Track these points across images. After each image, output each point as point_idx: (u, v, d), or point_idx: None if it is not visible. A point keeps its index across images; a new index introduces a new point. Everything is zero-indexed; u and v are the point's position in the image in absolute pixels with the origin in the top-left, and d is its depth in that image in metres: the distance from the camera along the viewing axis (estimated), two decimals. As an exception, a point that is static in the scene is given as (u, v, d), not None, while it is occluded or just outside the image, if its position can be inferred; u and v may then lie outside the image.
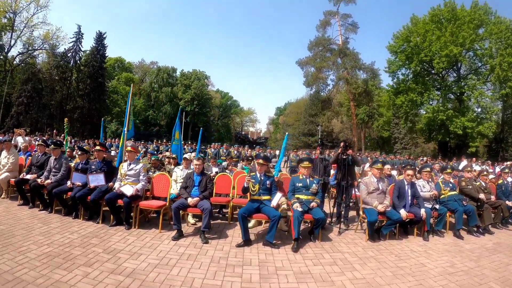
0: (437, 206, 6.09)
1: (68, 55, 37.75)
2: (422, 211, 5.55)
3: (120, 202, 5.05)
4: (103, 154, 5.88)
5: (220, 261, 3.95)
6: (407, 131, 33.60)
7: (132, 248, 4.22)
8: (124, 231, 4.92)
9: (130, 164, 5.46)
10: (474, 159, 16.89)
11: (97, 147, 6.03)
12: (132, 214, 5.18)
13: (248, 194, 5.07)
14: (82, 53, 38.96)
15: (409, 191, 5.83)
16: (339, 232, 5.62)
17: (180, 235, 4.76)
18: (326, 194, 7.46)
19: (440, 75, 28.34)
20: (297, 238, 4.55)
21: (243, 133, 61.91)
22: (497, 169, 14.85)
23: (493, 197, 7.19)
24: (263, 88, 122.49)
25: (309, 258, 4.27)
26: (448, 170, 6.88)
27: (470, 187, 7.00)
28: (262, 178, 5.05)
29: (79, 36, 38.29)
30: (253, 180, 4.97)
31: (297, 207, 4.74)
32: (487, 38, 25.49)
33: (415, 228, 5.83)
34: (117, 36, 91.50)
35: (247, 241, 4.61)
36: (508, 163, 14.78)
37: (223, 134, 58.47)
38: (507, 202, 7.02)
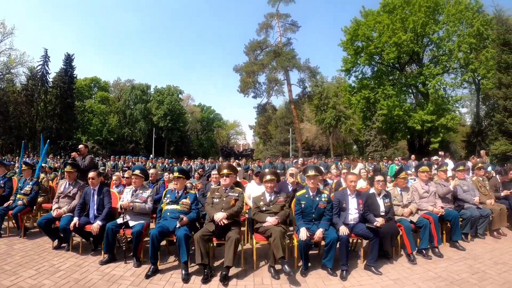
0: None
1: (36, 78, 37.37)
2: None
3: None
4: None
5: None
6: (377, 132, 30.00)
7: None
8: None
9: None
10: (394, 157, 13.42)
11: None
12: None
13: None
14: (49, 75, 38.61)
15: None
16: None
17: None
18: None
19: (398, 68, 24.99)
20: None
21: (229, 146, 59.19)
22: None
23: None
24: (249, 100, 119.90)
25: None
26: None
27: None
28: None
29: (46, 59, 38.14)
30: None
31: None
32: (446, 23, 22.21)
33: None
34: (97, 56, 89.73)
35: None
36: (435, 158, 11.29)
37: (206, 148, 56.00)
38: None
